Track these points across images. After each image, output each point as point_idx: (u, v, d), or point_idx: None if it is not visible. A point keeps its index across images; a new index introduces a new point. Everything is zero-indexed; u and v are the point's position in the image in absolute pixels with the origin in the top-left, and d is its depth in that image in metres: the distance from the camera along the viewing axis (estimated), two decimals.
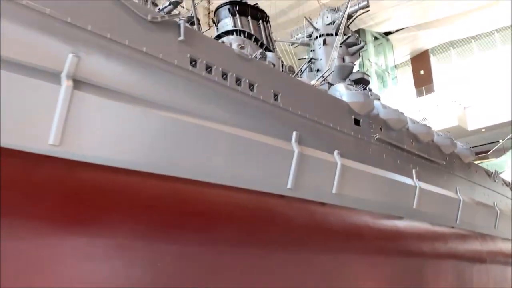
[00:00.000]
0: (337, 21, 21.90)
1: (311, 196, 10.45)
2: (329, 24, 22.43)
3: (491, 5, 44.71)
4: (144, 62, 7.62)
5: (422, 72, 53.79)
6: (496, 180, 19.79)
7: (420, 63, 54.10)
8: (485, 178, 18.87)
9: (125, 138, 7.18)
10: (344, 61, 21.31)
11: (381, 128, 13.00)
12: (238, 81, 9.18)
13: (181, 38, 8.21)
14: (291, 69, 17.59)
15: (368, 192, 11.84)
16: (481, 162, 44.30)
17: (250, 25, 17.82)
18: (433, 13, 45.90)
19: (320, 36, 22.19)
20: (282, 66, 17.84)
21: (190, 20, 16.01)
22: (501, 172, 40.47)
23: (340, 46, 21.84)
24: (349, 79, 20.94)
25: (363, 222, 11.47)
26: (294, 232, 9.70)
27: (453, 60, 52.37)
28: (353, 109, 12.19)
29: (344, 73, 21.17)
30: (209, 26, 16.54)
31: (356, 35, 22.48)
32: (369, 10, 23.12)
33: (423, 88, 50.68)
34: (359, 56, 23.31)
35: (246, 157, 9.06)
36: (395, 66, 55.05)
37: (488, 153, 44.77)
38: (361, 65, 48.88)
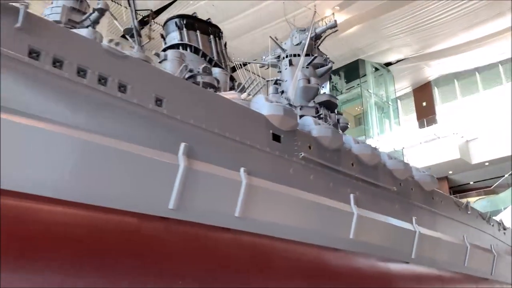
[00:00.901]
0: (303, 41, 20.83)
1: (203, 219, 8.98)
2: (297, 44, 21.39)
3: (494, 39, 43.55)
4: None
5: (424, 103, 52.26)
6: (469, 212, 17.85)
7: (423, 94, 52.66)
8: (454, 209, 16.99)
9: None
10: (309, 82, 20.11)
11: (310, 146, 11.55)
12: (103, 79, 7.95)
13: (18, 25, 7.08)
14: (243, 88, 16.45)
15: (284, 216, 10.31)
16: (483, 198, 41.89)
17: (198, 39, 16.85)
18: (435, 42, 44.81)
19: (286, 56, 21.11)
20: (233, 83, 16.76)
21: (130, 32, 15.17)
22: (506, 207, 37.98)
23: (307, 67, 20.73)
24: (314, 101, 19.73)
25: (271, 250, 9.88)
26: (167, 259, 8.21)
27: (457, 92, 50.83)
28: (272, 123, 10.81)
29: (309, 94, 19.99)
30: (149, 38, 15.55)
31: (325, 55, 21.33)
32: (337, 30, 22.01)
33: (425, 119, 49.05)
34: (329, 78, 22.04)
35: (106, 172, 7.73)
36: (397, 98, 53.66)
37: (492, 187, 42.59)
38: (335, 90, 47.92)
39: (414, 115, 51.94)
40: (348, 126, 20.99)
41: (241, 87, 15.86)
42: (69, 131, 7.34)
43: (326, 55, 21.69)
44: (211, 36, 17.48)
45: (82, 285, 7.20)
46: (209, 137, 9.39)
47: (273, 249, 9.99)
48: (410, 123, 51.32)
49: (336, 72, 49.61)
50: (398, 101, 53.64)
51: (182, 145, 8.76)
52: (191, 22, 17.10)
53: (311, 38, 21.02)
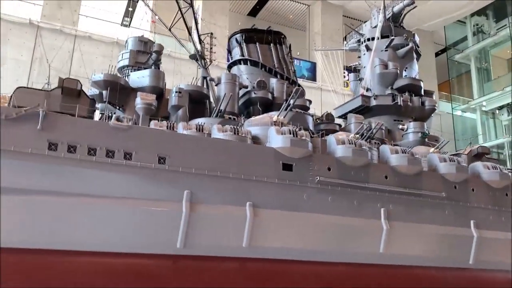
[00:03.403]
0: (379, 24, 19.91)
1: (210, 252, 10.73)
2: (375, 26, 20.51)
3: None
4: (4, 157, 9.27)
5: None
6: None
7: None
8: None
9: None
10: (387, 67, 19.42)
11: (329, 168, 12.08)
12: (110, 153, 10.10)
13: (39, 127, 9.58)
14: (302, 93, 17.02)
15: (295, 240, 11.38)
16: None
17: (258, 51, 17.88)
18: None
19: (365, 41, 20.55)
20: (294, 86, 17.44)
21: (195, 57, 17.18)
22: None
23: (386, 50, 19.93)
24: (392, 88, 19.09)
25: (278, 272, 11.12)
26: None
27: None
28: (283, 154, 11.70)
29: (387, 81, 19.37)
30: (210, 61, 17.16)
31: (405, 35, 19.91)
32: (416, 7, 20.23)
33: None
34: (417, 56, 20.58)
35: (127, 225, 10.03)
36: None
37: None
38: (482, 33, 41.66)
39: None
40: (436, 107, 19.66)
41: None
42: (86, 200, 9.74)
43: (409, 31, 20.23)
44: (271, 45, 18.25)
45: None
46: (212, 181, 10.88)
47: (280, 271, 11.18)
48: None
49: (482, 12, 43.89)
50: None
51: (185, 193, 10.50)
52: (250, 36, 18.14)
53: (387, 19, 19.94)
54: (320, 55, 22.68)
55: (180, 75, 22.52)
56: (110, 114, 14.28)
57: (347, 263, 12.02)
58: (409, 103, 18.76)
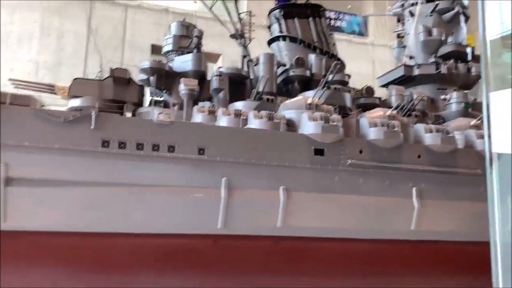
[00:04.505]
0: None
1: (247, 231, 11.91)
2: None
3: None
4: (63, 154, 10.74)
5: None
6: None
7: None
8: None
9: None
10: (431, 34, 19.02)
11: (361, 151, 12.65)
12: (156, 147, 11.30)
13: (92, 127, 10.89)
14: (340, 68, 17.22)
15: (325, 219, 12.28)
16: None
17: (296, 26, 18.12)
18: None
19: (409, 6, 20.07)
20: (334, 60, 17.69)
21: (235, 37, 17.83)
22: None
23: (430, 15, 19.44)
24: (435, 56, 18.80)
25: (308, 249, 12.16)
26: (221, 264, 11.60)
27: None
28: (315, 140, 12.38)
29: (430, 48, 19.09)
30: (250, 40, 17.64)
31: None
32: None
33: None
34: (466, 19, 19.79)
35: (173, 209, 11.43)
36: None
37: None
38: None
39: None
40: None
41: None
42: (137, 190, 11.11)
43: None
44: (310, 18, 18.34)
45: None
46: (247, 168, 11.86)
47: (312, 248, 12.20)
48: None
49: None
50: None
51: (223, 180, 11.61)
52: (288, 11, 18.31)
53: None
54: (372, 9, 22.17)
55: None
56: (155, 100, 15.55)
57: (377, 239, 12.75)
58: (453, 70, 18.42)
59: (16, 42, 27.25)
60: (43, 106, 13.40)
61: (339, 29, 35.76)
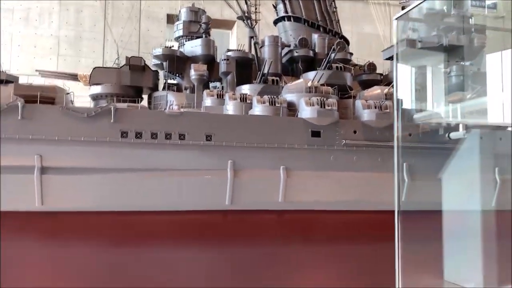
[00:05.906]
0: None
1: (252, 206, 13.50)
2: None
3: None
4: (87, 145, 12.37)
5: None
6: None
7: None
8: None
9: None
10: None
11: (355, 131, 13.86)
12: (168, 135, 12.80)
13: (112, 120, 12.43)
14: (342, 47, 18.08)
15: (322, 194, 13.67)
16: None
17: (301, 6, 18.87)
18: None
19: None
20: (337, 39, 18.56)
21: (242, 19, 18.83)
22: None
23: None
24: (437, 29, 19.28)
25: (310, 221, 13.68)
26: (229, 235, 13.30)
27: None
28: (312, 123, 13.61)
29: (434, 20, 19.42)
30: (256, 21, 18.56)
31: None
32: None
33: None
34: None
35: (186, 189, 13.07)
36: None
37: None
38: None
39: None
40: (485, 44, 19.44)
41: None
42: (154, 174, 12.72)
43: None
44: None
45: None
46: (250, 151, 13.28)
47: (311, 219, 13.70)
48: None
49: None
50: None
51: (229, 162, 13.10)
52: None
53: None
54: None
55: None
56: (168, 84, 16.91)
57: (369, 211, 14.13)
58: (455, 42, 18.87)
59: (38, 17, 28.36)
60: (68, 93, 14.98)
61: None
